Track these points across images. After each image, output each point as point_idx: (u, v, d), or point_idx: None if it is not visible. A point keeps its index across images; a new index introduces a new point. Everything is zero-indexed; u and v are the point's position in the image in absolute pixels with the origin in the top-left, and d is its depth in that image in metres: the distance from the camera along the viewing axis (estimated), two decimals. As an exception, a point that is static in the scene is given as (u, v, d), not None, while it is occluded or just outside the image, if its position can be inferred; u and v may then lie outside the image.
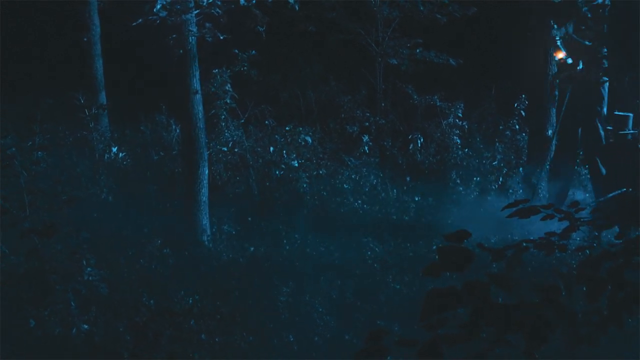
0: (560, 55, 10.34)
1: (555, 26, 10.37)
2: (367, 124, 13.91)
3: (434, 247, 9.77)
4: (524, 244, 4.80)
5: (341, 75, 15.92)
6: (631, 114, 10.01)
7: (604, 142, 10.46)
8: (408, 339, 2.53)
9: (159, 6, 8.25)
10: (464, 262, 2.55)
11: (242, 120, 13.09)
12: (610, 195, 9.53)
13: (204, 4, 8.68)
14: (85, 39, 13.09)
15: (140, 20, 8.53)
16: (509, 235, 10.11)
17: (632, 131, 9.87)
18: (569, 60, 10.40)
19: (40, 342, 7.00)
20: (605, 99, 10.46)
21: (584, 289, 3.68)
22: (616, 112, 10.22)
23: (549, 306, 2.50)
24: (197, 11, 8.80)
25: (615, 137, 10.02)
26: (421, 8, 14.67)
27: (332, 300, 7.96)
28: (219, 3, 8.67)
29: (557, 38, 10.37)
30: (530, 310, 2.41)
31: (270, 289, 8.05)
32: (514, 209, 4.83)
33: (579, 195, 11.17)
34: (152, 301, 7.66)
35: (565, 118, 10.64)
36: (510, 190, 11.55)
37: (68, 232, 7.24)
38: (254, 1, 8.76)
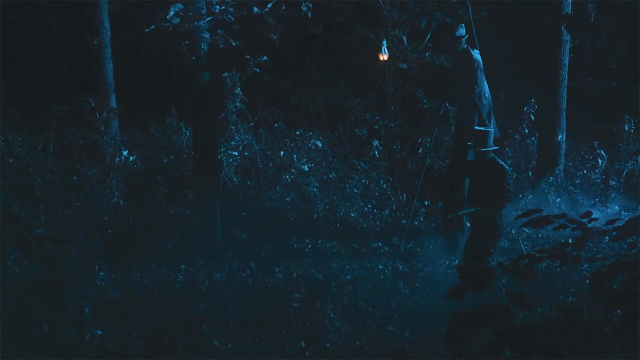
0: (383, 57, 9.86)
1: (398, 32, 10.01)
2: (376, 127, 13.91)
3: (445, 252, 9.80)
4: (537, 255, 4.83)
5: (350, 78, 15.93)
6: (492, 130, 9.16)
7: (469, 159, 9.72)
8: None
9: (172, 13, 8.31)
10: (485, 281, 2.58)
11: (252, 124, 13.13)
12: (467, 211, 9.03)
13: (217, 10, 8.73)
14: (95, 42, 13.13)
15: (153, 26, 8.58)
16: (520, 238, 10.14)
17: (492, 148, 8.95)
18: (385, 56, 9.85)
19: (54, 347, 7.04)
20: (484, 112, 9.85)
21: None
22: (476, 127, 9.31)
23: (570, 328, 2.52)
24: (210, 18, 8.84)
25: (476, 154, 9.04)
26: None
27: (343, 306, 7.98)
28: (231, 10, 8.72)
29: (384, 43, 10.00)
30: (551, 332, 2.43)
31: (282, 295, 8.08)
32: (527, 218, 4.87)
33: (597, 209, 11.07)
34: (164, 307, 7.71)
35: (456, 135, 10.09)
36: (520, 195, 11.54)
37: (83, 239, 7.29)
38: (266, 9, 8.81)
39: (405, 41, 10.08)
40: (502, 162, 9.02)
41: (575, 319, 2.60)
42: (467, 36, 10.01)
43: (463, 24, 10.11)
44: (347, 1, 15.15)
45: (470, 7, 10.26)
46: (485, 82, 9.93)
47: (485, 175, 8.89)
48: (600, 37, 9.08)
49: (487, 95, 9.89)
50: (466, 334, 2.36)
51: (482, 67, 9.90)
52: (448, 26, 10.16)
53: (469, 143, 9.43)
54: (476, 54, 9.90)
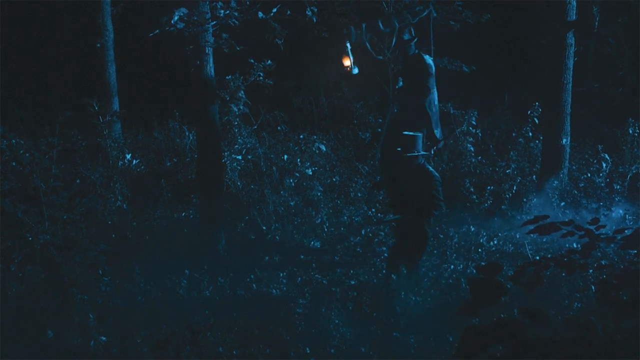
0: (347, 63, 9.65)
1: (353, 30, 9.77)
2: (379, 130, 13.90)
3: (449, 255, 9.78)
4: (544, 262, 4.80)
5: (353, 81, 15.90)
6: (420, 134, 8.76)
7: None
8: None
9: (176, 17, 8.29)
10: (497, 295, 2.55)
11: (255, 127, 13.12)
12: (392, 217, 8.67)
13: (221, 15, 8.71)
14: (98, 45, 13.12)
15: (157, 30, 8.57)
16: (525, 242, 10.11)
17: (422, 153, 8.58)
18: (355, 70, 9.67)
19: (58, 353, 7.03)
20: (432, 120, 9.57)
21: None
22: (405, 132, 8.86)
23: (583, 343, 2.50)
24: (214, 22, 8.82)
25: (404, 159, 8.62)
26: (434, 14, 14.61)
27: (348, 311, 7.96)
28: (236, 14, 8.70)
29: (348, 44, 9.70)
30: (564, 346, 2.41)
31: (287, 300, 8.07)
32: (534, 225, 4.84)
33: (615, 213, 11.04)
34: (168, 312, 7.70)
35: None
36: (524, 199, 11.52)
37: (87, 245, 7.27)
38: (271, 14, 8.78)
39: (367, 45, 9.79)
40: (432, 169, 8.71)
41: (589, 335, 2.57)
42: (416, 39, 9.82)
43: (411, 27, 9.88)
44: (349, 2, 15.12)
45: (433, 11, 10.05)
46: (435, 90, 9.73)
47: (413, 182, 8.55)
48: (608, 44, 9.04)
49: (435, 103, 9.70)
50: (479, 349, 2.34)
51: (434, 73, 9.69)
52: (397, 29, 9.89)
53: (397, 148, 9.03)
54: (429, 59, 9.71)
